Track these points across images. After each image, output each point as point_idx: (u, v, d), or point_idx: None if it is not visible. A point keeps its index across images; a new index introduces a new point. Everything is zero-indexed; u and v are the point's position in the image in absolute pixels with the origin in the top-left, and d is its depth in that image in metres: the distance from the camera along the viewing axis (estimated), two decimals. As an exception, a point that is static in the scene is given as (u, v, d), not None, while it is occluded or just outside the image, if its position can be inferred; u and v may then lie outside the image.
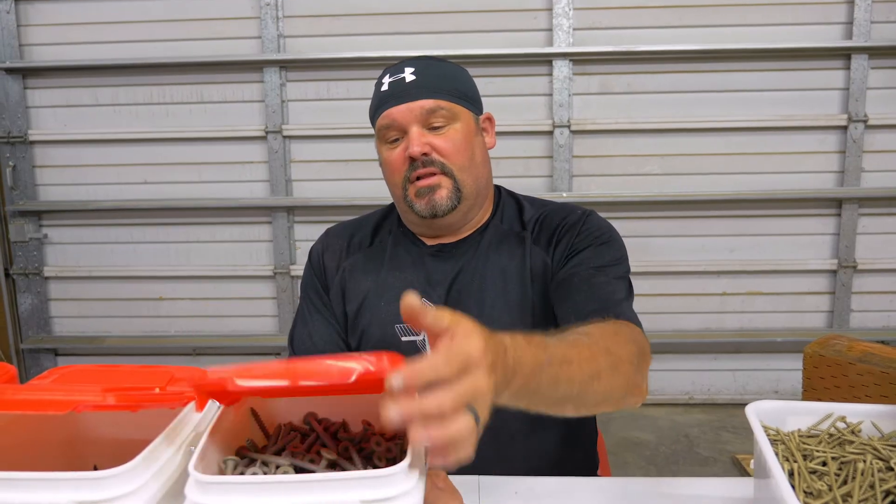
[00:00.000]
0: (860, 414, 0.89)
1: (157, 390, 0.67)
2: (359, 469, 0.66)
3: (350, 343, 1.22)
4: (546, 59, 3.09)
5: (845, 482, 0.78)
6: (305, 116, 3.23)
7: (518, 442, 1.15)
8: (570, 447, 1.20)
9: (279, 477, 0.54)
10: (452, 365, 0.58)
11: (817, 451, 0.82)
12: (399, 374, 0.56)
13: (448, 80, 1.15)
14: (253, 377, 0.57)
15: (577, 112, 3.13)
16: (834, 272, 3.19)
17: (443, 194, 1.12)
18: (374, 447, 0.69)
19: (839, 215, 3.15)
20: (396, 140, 1.14)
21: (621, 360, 0.87)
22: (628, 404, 0.91)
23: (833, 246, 3.19)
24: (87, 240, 3.42)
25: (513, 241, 1.18)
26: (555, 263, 1.14)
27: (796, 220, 3.17)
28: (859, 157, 3.08)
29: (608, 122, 3.12)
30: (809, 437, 0.86)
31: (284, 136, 3.21)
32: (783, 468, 0.77)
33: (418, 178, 1.12)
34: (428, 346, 1.14)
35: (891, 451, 0.81)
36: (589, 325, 0.93)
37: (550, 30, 3.07)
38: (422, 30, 3.11)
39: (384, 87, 1.15)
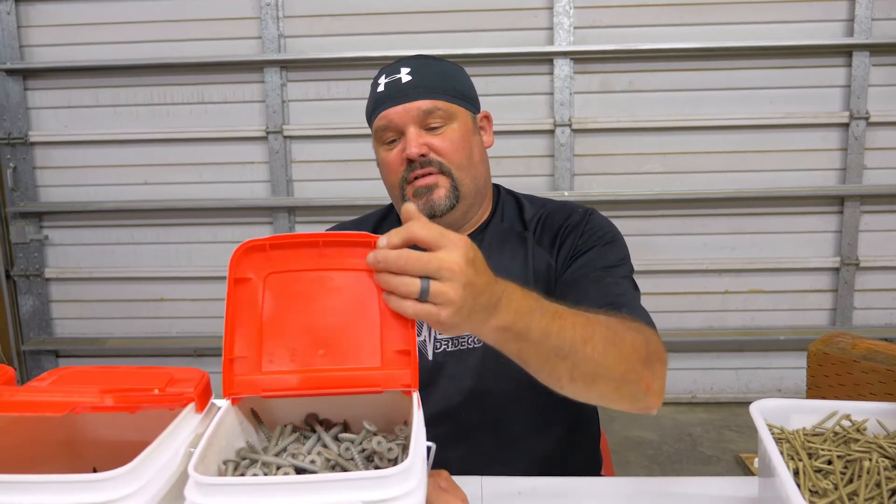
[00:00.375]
0: (865, 412, 0.88)
1: (157, 391, 0.67)
2: (360, 470, 0.65)
3: None
4: (547, 58, 3.09)
5: (851, 481, 0.77)
6: (306, 116, 3.23)
7: (521, 442, 1.14)
8: (573, 447, 1.20)
9: (280, 478, 0.53)
10: (431, 233, 0.70)
11: (822, 449, 0.81)
12: (384, 235, 0.71)
13: (445, 80, 1.14)
14: None
15: (578, 111, 3.12)
16: (836, 270, 3.18)
17: (441, 194, 1.11)
18: (376, 447, 0.69)
19: (841, 213, 3.14)
20: (394, 141, 1.13)
21: (623, 340, 0.87)
22: (637, 401, 0.90)
23: (835, 243, 3.18)
24: (88, 241, 3.41)
25: (514, 241, 1.18)
26: (559, 265, 1.14)
27: (798, 218, 3.17)
28: (861, 154, 3.07)
29: (609, 120, 3.11)
30: (814, 435, 0.85)
31: (285, 137, 3.21)
32: (788, 467, 0.76)
33: (416, 178, 1.11)
34: (429, 348, 1.13)
35: (897, 449, 0.80)
36: (599, 311, 0.92)
37: (551, 28, 3.07)
38: (422, 29, 3.10)
39: (380, 88, 1.14)
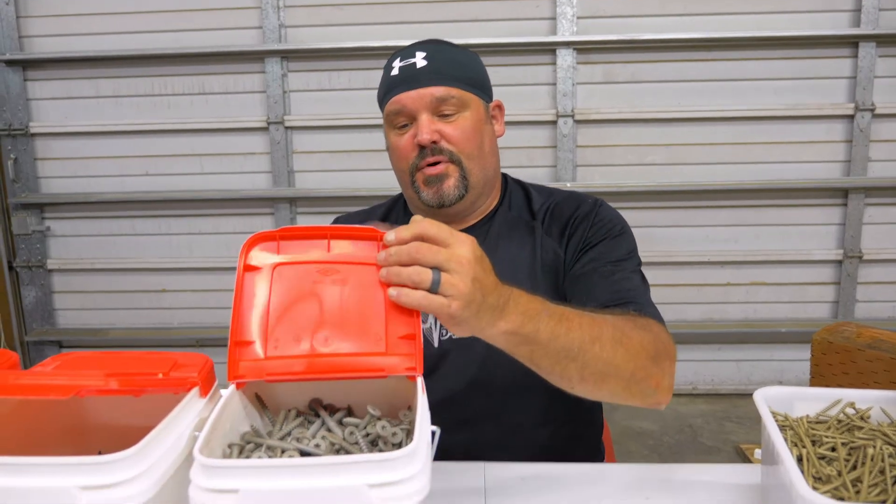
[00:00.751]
0: (869, 400, 0.88)
1: (161, 376, 0.67)
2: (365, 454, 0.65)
3: None
4: (549, 48, 3.08)
5: (854, 467, 0.77)
6: (307, 107, 3.22)
7: (524, 431, 1.14)
8: (576, 437, 1.20)
9: (285, 460, 0.53)
10: (441, 231, 0.72)
11: (826, 436, 0.81)
12: (392, 231, 0.73)
13: (460, 67, 1.13)
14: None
15: (580, 101, 3.11)
16: (839, 262, 3.18)
17: (450, 184, 1.11)
18: (380, 432, 0.69)
19: (845, 205, 3.14)
20: (405, 126, 1.13)
21: (630, 339, 0.87)
22: (646, 398, 0.91)
23: (838, 236, 3.17)
24: (90, 232, 3.41)
25: (522, 230, 1.17)
26: (568, 257, 1.13)
27: (801, 210, 3.16)
28: (866, 146, 3.06)
29: (612, 111, 3.10)
30: (818, 423, 0.85)
31: (286, 127, 3.20)
32: (792, 454, 0.76)
33: (426, 166, 1.11)
34: (434, 335, 1.13)
35: (901, 436, 0.80)
36: (605, 311, 0.93)
37: (554, 18, 3.05)
38: (424, 19, 3.09)
39: (394, 72, 1.13)
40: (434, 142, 1.10)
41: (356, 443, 0.68)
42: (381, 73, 1.18)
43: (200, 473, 0.54)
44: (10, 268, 3.45)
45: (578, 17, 3.04)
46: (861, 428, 0.83)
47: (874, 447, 0.78)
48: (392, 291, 0.72)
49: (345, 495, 0.52)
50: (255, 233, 0.77)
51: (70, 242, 3.44)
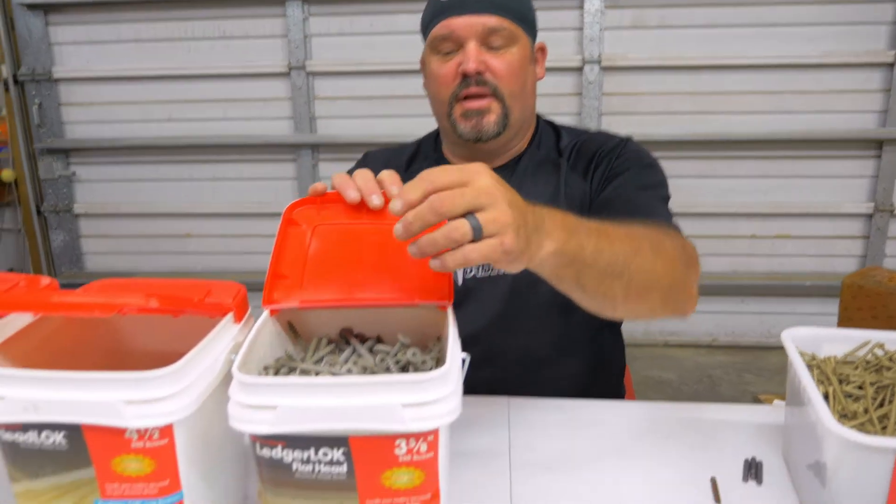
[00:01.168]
0: (898, 340, 0.88)
1: (196, 301, 0.68)
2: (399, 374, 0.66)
3: None
4: (577, -9, 3.01)
5: (882, 405, 0.78)
6: (329, 52, 3.18)
7: (546, 368, 1.16)
8: (598, 375, 1.21)
9: (322, 379, 0.55)
10: (450, 173, 0.63)
11: (854, 375, 0.81)
12: (396, 198, 0.63)
13: None
14: None
15: (607, 47, 3.05)
16: (869, 216, 3.12)
17: (491, 119, 1.09)
18: (410, 358, 0.70)
19: (879, 157, 3.06)
20: (450, 53, 1.10)
21: (665, 247, 0.85)
22: (679, 306, 0.89)
23: (870, 189, 3.11)
24: (115, 177, 3.44)
25: (549, 168, 1.17)
26: (593, 189, 1.12)
27: (832, 162, 3.09)
28: (905, 96, 2.97)
29: (640, 58, 3.04)
30: (846, 363, 0.85)
31: (308, 73, 3.18)
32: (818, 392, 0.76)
33: (467, 98, 1.09)
34: (459, 273, 1.14)
35: (929, 375, 0.80)
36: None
37: (582, -39, 2.98)
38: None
39: None
40: (479, 72, 1.07)
41: (387, 369, 0.69)
42: (404, 16, 1.15)
43: (239, 390, 0.56)
44: (39, 212, 3.50)
45: (607, -40, 2.96)
46: (889, 368, 0.83)
47: (902, 385, 0.78)
48: (434, 263, 0.62)
49: (379, 413, 0.54)
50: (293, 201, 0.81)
51: (96, 187, 3.48)
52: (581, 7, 3.00)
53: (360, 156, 1.33)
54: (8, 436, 0.59)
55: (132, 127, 3.35)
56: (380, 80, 3.13)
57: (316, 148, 3.28)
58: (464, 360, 0.63)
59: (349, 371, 0.67)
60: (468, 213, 0.61)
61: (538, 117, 1.25)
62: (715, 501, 0.80)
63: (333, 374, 0.66)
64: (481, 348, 1.17)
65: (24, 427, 0.59)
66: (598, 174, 1.12)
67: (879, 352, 0.87)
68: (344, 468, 0.57)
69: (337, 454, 0.56)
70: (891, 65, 2.95)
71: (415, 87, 3.05)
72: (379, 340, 0.79)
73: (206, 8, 3.18)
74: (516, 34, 1.09)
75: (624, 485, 0.84)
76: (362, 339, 0.78)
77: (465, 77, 1.07)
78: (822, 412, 0.69)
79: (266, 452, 0.57)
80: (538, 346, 1.15)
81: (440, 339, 0.73)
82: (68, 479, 0.60)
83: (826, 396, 0.78)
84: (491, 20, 1.06)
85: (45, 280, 0.75)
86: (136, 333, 0.78)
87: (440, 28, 1.09)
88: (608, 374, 1.25)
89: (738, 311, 3.29)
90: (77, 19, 3.27)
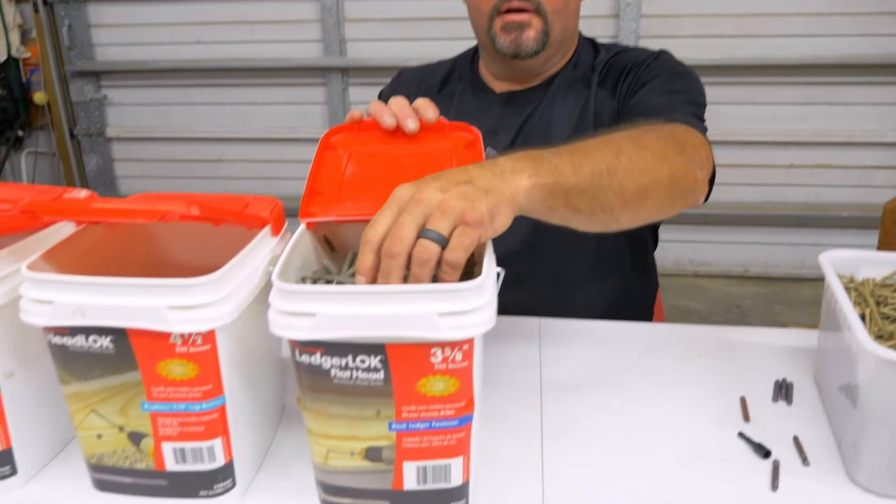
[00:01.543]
0: (940, 264, 0.86)
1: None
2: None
3: None
4: None
5: (919, 327, 0.77)
6: (360, -29, 3.11)
7: (577, 291, 1.16)
8: (629, 300, 1.22)
9: (360, 287, 0.55)
10: (379, 218, 0.59)
11: (892, 297, 0.80)
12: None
13: None
14: None
15: (647, -34, 2.93)
16: (913, 145, 3.02)
17: (530, 35, 1.07)
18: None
19: (926, 83, 2.94)
20: None
21: (646, 139, 0.78)
22: (687, 196, 0.83)
23: (915, 116, 3.00)
24: (146, 101, 3.45)
25: (579, 86, 1.14)
26: (620, 104, 1.10)
27: (878, 89, 2.97)
28: (960, 17, 2.83)
29: (681, -23, 2.91)
30: (884, 286, 0.84)
31: (338, -7, 3.11)
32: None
33: (508, 11, 1.06)
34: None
35: (970, 299, 0.79)
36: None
37: None
38: None
39: None
40: None
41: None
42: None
43: (279, 297, 0.57)
44: (72, 136, 3.53)
45: None
46: (928, 292, 0.82)
47: (941, 308, 0.77)
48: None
49: (416, 321, 0.55)
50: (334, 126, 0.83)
51: (127, 111, 3.49)
52: (621, -78, 2.87)
53: (389, 80, 1.32)
54: (57, 339, 0.62)
55: (161, 49, 3.33)
56: (412, 1, 3.05)
57: (346, 72, 3.24)
58: (498, 274, 0.63)
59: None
60: (423, 231, 0.57)
61: (580, 35, 1.21)
62: (744, 420, 0.81)
63: (369, 285, 0.67)
64: (512, 271, 1.17)
65: (73, 331, 0.61)
66: (626, 85, 1.10)
67: (919, 276, 0.85)
68: (381, 375, 0.58)
69: (374, 361, 0.58)
70: (945, -16, 2.80)
71: (448, 9, 2.99)
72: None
73: (231, -77, 3.11)
74: None
75: (652, 403, 0.85)
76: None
77: None
78: (858, 331, 0.69)
79: (305, 359, 0.58)
80: (568, 269, 1.15)
81: (474, 255, 0.74)
82: (116, 381, 0.63)
83: (863, 318, 0.77)
84: None
85: (85, 192, 0.77)
86: (174, 246, 0.80)
87: None
88: (639, 298, 1.25)
89: (770, 242, 3.25)
90: (103, -63, 3.22)
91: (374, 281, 0.59)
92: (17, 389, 0.69)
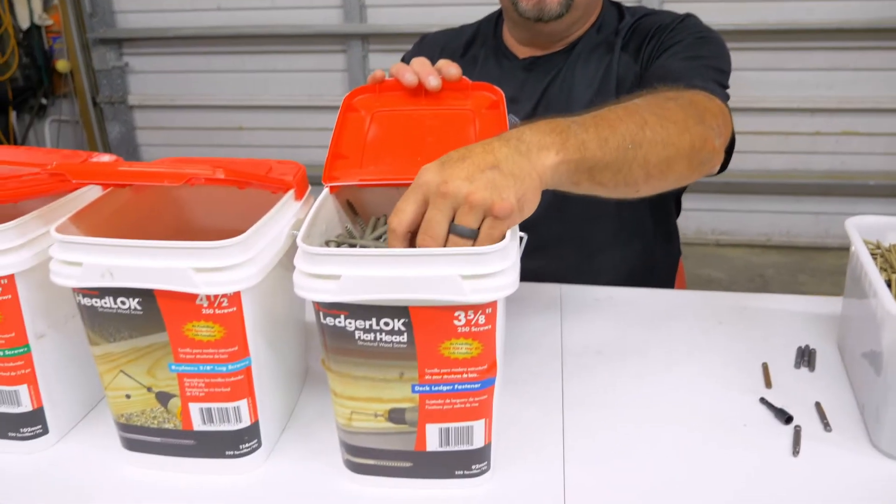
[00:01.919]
0: (970, 230, 0.85)
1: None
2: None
3: None
4: None
5: (946, 294, 0.76)
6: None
7: (600, 256, 1.16)
8: (653, 264, 1.21)
9: (384, 250, 0.56)
10: (405, 204, 0.59)
11: (919, 264, 0.79)
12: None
13: None
14: None
15: (672, -73, 2.86)
16: (943, 111, 2.95)
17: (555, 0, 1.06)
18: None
19: (960, 47, 2.86)
20: None
21: (668, 108, 0.77)
22: (705, 165, 0.82)
23: (946, 82, 2.92)
24: (167, 68, 3.45)
25: (602, 52, 1.13)
26: (643, 69, 1.08)
27: (907, 53, 2.90)
28: None
29: (707, -62, 2.84)
30: (911, 252, 0.83)
31: (358, -43, 3.07)
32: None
33: None
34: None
35: None
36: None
37: None
38: None
39: None
40: None
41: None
42: None
43: (304, 260, 0.57)
44: (95, 103, 3.55)
45: None
46: (956, 259, 0.81)
47: (970, 275, 0.76)
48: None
49: (439, 284, 0.55)
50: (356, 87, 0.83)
51: (149, 78, 3.50)
52: None
53: (410, 46, 1.31)
54: (86, 300, 0.63)
55: (182, 16, 3.32)
56: (434, -36, 3.02)
57: (366, 38, 3.21)
58: (522, 238, 0.63)
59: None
60: (452, 226, 0.57)
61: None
62: (766, 386, 0.81)
63: (392, 249, 0.68)
64: (534, 237, 1.17)
65: (101, 292, 0.62)
66: (648, 51, 1.08)
67: (948, 242, 0.84)
68: (405, 338, 0.59)
69: (398, 324, 0.58)
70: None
71: (470, -28, 2.94)
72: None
73: None
74: None
75: (673, 369, 0.85)
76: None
77: None
78: (885, 297, 0.68)
79: (330, 321, 0.59)
80: (591, 235, 1.15)
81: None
82: (144, 342, 0.64)
83: (889, 284, 0.77)
84: None
85: (111, 157, 0.78)
86: (198, 211, 0.81)
87: None
88: (661, 266, 1.25)
89: (794, 211, 3.20)
90: None
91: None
92: (47, 350, 0.71)
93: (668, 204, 1.23)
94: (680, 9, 1.17)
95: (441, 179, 0.57)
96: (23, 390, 0.70)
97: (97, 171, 0.65)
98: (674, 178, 0.77)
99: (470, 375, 0.61)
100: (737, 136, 0.98)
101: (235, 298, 0.61)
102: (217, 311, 0.61)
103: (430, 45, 1.25)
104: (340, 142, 0.78)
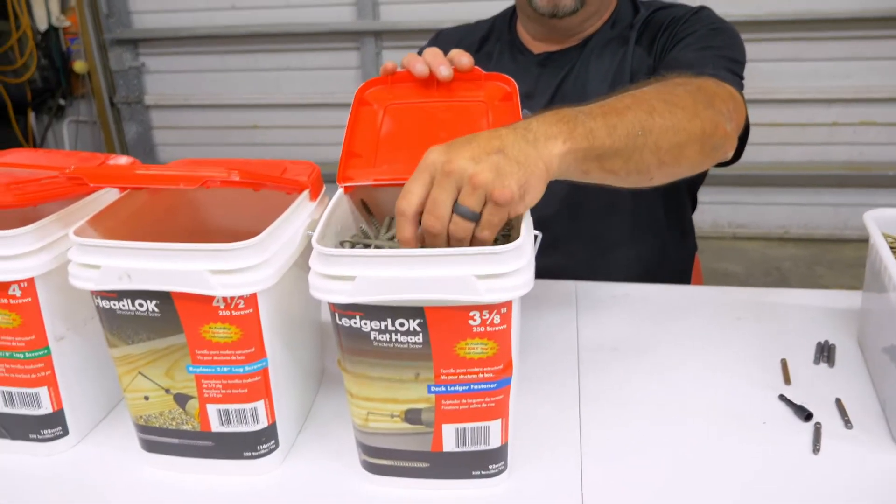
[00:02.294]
0: None
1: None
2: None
3: None
4: None
5: (968, 289, 0.75)
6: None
7: (614, 253, 1.16)
8: (667, 260, 1.20)
9: (399, 251, 0.56)
10: (412, 187, 0.59)
11: (940, 258, 0.78)
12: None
13: None
14: None
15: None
16: (962, 100, 2.91)
17: None
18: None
19: (978, 35, 2.82)
20: None
21: (676, 94, 0.77)
22: (718, 151, 0.81)
23: (965, 70, 2.88)
24: (183, 68, 3.47)
25: (616, 44, 1.12)
26: (656, 61, 1.07)
27: (926, 42, 2.86)
28: None
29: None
30: (932, 246, 0.82)
31: (370, -46, 3.07)
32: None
33: None
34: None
35: None
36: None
37: None
38: None
39: None
40: None
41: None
42: None
43: (319, 261, 0.58)
44: (112, 104, 3.58)
45: None
46: (978, 252, 0.80)
47: None
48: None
49: (454, 284, 0.55)
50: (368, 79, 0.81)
51: (165, 78, 3.52)
52: None
53: (424, 43, 1.30)
54: (105, 303, 0.63)
55: (197, 16, 3.34)
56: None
57: (379, 35, 3.21)
58: (536, 237, 0.63)
59: (421, 246, 0.68)
60: (455, 206, 0.58)
61: None
62: (785, 382, 0.81)
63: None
64: (548, 234, 1.17)
65: (120, 295, 0.62)
66: (661, 44, 1.07)
67: (970, 236, 0.83)
68: (420, 338, 0.59)
69: (413, 324, 0.58)
70: None
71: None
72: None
73: None
74: None
75: (690, 366, 0.85)
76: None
77: None
78: (905, 294, 0.67)
79: (345, 322, 0.59)
80: (605, 232, 1.14)
81: (510, 220, 0.73)
82: (162, 344, 0.64)
83: (909, 280, 0.76)
84: None
85: (127, 159, 0.78)
86: (214, 212, 0.81)
87: None
88: (676, 262, 1.24)
89: (812, 203, 3.17)
90: None
91: (419, 246, 0.60)
92: (67, 352, 0.72)
93: (683, 198, 1.22)
94: (694, 0, 1.17)
95: (446, 158, 0.57)
96: (43, 392, 0.71)
97: (114, 174, 0.65)
98: (687, 163, 0.77)
99: (486, 375, 0.61)
100: (752, 128, 0.97)
101: (252, 300, 0.61)
102: (234, 313, 0.62)
103: (446, 40, 1.25)
104: (354, 139, 0.78)
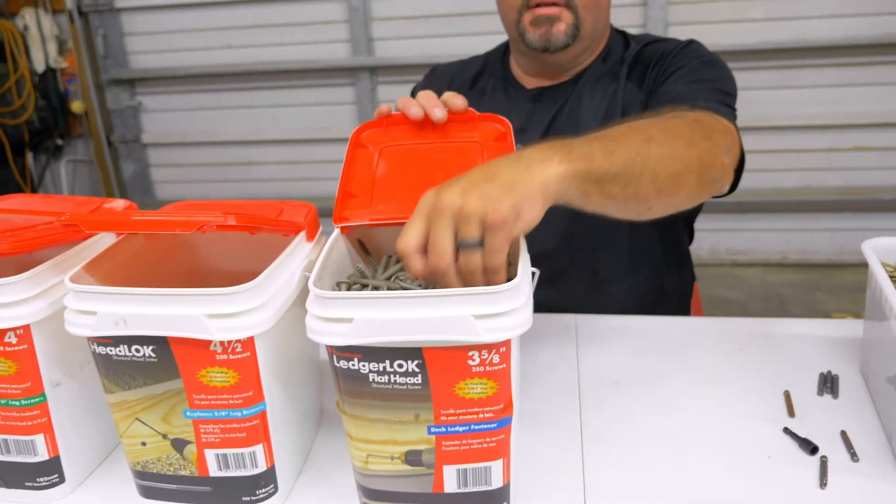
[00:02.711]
0: None
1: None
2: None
3: None
4: None
5: (969, 317, 0.74)
6: (386, -30, 3.11)
7: (613, 285, 1.15)
8: (664, 292, 1.20)
9: (395, 293, 0.55)
10: (409, 229, 0.59)
11: (940, 287, 0.78)
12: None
13: None
14: None
15: (675, -48, 2.88)
16: (956, 124, 2.93)
17: (560, 28, 1.06)
18: (481, 275, 0.70)
19: (967, 60, 2.85)
20: None
21: (673, 125, 0.77)
22: (715, 182, 0.81)
23: (957, 95, 2.91)
24: (179, 107, 3.51)
25: (607, 80, 1.13)
26: (647, 95, 1.08)
27: (916, 67, 2.89)
28: None
29: (710, -38, 2.87)
30: (931, 274, 0.82)
31: (364, -8, 3.12)
32: (902, 302, 0.74)
33: (538, 6, 1.06)
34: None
35: None
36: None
37: None
38: None
39: None
40: None
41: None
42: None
43: (316, 304, 0.57)
44: (109, 143, 3.60)
45: None
46: (978, 280, 0.79)
47: None
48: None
49: (452, 325, 0.54)
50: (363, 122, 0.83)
51: (161, 117, 3.55)
52: None
53: (420, 78, 1.32)
54: (101, 349, 0.63)
55: (193, 55, 3.38)
56: (440, -3, 3.06)
57: (374, 71, 3.25)
58: (533, 274, 0.63)
59: (420, 286, 0.68)
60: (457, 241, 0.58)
61: (611, 29, 1.20)
62: (788, 415, 0.80)
63: (405, 289, 0.67)
64: (548, 267, 1.17)
65: (116, 341, 0.62)
66: (652, 78, 1.08)
67: (969, 263, 0.83)
68: (419, 379, 0.58)
69: (412, 366, 0.58)
70: None
71: (476, 4, 2.98)
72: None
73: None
74: None
75: (693, 400, 0.84)
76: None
77: None
78: (906, 324, 0.67)
79: (343, 364, 0.59)
80: (601, 265, 1.14)
81: (507, 256, 0.73)
82: (159, 389, 0.64)
83: (910, 309, 0.75)
84: None
85: (124, 203, 0.78)
86: (211, 254, 0.81)
87: None
88: (673, 294, 1.23)
89: (809, 228, 3.18)
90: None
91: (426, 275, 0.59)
92: (63, 399, 0.71)
93: (679, 231, 1.23)
94: (684, 32, 1.18)
95: (437, 197, 0.58)
96: (39, 440, 0.70)
97: (110, 220, 0.65)
98: (685, 193, 0.76)
99: (486, 415, 0.60)
100: (748, 155, 0.98)
101: (249, 343, 0.61)
102: (231, 357, 0.61)
103: (441, 75, 1.27)
104: (350, 180, 0.79)
